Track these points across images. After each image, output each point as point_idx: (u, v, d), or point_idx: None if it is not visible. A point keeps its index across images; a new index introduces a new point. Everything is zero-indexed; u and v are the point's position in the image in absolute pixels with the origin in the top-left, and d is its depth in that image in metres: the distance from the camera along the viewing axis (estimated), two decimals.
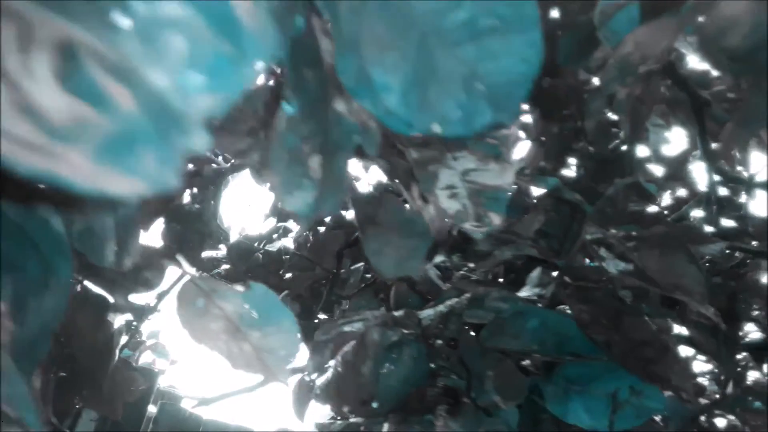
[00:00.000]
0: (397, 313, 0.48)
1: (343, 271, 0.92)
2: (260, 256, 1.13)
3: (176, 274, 0.92)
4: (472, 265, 0.96)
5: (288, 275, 1.01)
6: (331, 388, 0.45)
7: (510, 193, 0.35)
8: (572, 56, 0.62)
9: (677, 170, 0.51)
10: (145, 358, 1.56)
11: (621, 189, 0.47)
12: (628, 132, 0.68)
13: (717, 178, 1.13)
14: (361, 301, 0.71)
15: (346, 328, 0.45)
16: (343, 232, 0.82)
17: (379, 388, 0.44)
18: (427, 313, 0.49)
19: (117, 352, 0.74)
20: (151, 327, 1.62)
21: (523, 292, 0.59)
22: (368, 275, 0.93)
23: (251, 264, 1.12)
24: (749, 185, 1.01)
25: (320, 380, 0.48)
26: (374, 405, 0.44)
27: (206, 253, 1.31)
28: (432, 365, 0.46)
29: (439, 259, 0.54)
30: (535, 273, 0.63)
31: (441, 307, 0.50)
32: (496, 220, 0.33)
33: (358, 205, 0.36)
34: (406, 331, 0.48)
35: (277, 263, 1.02)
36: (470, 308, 0.51)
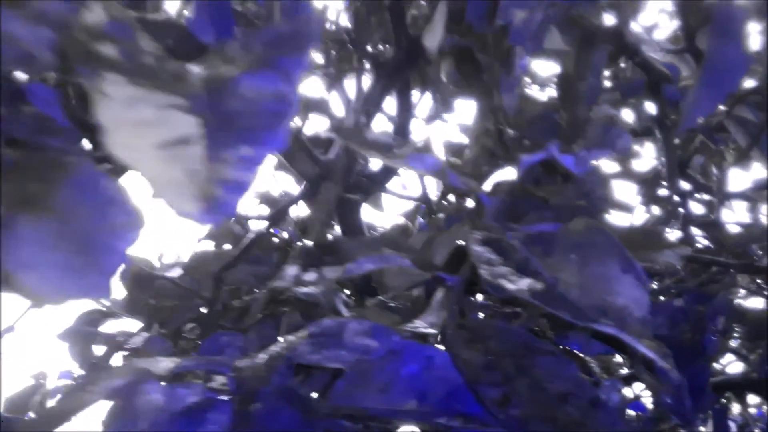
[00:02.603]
0: (192, 359, 0.32)
1: (237, 300, 0.76)
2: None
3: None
4: None
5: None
6: None
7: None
8: (485, 12, 0.48)
9: (600, 136, 0.37)
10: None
11: (528, 170, 0.33)
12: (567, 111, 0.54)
13: (686, 186, 1.00)
14: (224, 338, 0.55)
15: (119, 382, 0.29)
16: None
17: None
18: (256, 358, 0.34)
19: None
20: (61, 366, 1.42)
21: (419, 322, 0.44)
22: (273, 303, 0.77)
23: (155, 293, 0.95)
24: (722, 195, 0.88)
25: None
26: None
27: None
28: None
29: (293, 272, 0.38)
30: (438, 296, 0.47)
31: (274, 348, 0.34)
32: (230, 211, 0.18)
33: None
34: (215, 386, 0.32)
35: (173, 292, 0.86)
36: (324, 347, 0.35)
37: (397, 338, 0.36)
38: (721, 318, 0.40)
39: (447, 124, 0.92)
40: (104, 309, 1.02)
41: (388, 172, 0.97)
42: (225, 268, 0.62)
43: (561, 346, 0.43)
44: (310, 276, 0.35)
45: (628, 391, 1.37)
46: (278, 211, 0.60)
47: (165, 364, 0.30)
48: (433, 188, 1.08)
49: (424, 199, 1.02)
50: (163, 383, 0.30)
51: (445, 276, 0.36)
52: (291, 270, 0.35)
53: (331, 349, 0.36)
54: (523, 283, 0.27)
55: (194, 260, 0.74)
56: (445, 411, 0.32)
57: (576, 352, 0.44)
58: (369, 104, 0.55)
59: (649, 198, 1.14)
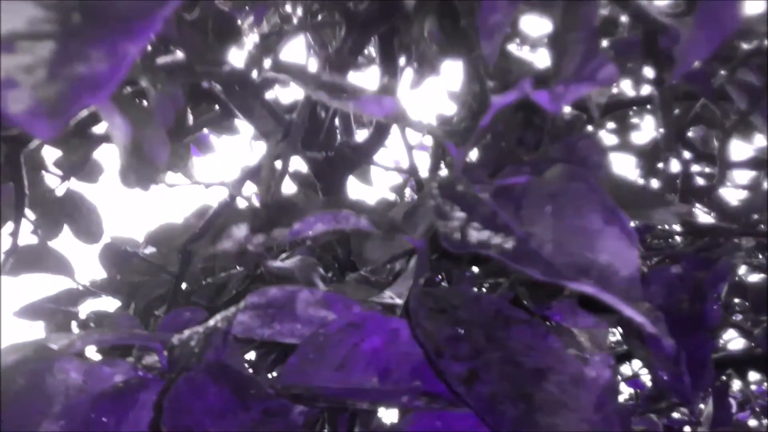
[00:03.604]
0: (109, 333, 0.28)
1: (208, 279, 0.72)
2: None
3: None
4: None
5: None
6: None
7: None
8: None
9: (578, 67, 0.32)
10: None
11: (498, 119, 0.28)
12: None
13: (687, 155, 0.95)
14: (186, 314, 0.51)
15: (12, 359, 0.26)
16: (195, 217, 0.62)
17: None
18: (193, 333, 0.30)
19: None
20: None
21: (387, 292, 0.40)
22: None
23: (131, 270, 0.91)
24: (724, 163, 0.83)
25: None
26: None
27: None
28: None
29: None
30: (413, 261, 0.43)
31: (211, 322, 0.30)
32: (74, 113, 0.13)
33: None
34: (146, 364, 0.29)
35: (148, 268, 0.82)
36: (276, 320, 0.31)
37: (357, 309, 0.32)
38: (723, 285, 0.36)
39: (434, 89, 0.88)
40: (82, 288, 0.98)
41: (374, 143, 0.93)
42: (191, 240, 0.58)
43: (546, 321, 0.39)
44: (258, 238, 0.31)
45: (625, 369, 1.34)
46: (242, 177, 0.56)
47: (69, 338, 0.26)
48: (425, 161, 1.03)
49: (412, 171, 0.97)
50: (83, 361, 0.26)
51: (411, 239, 0.32)
52: (238, 231, 0.31)
53: (285, 322, 0.32)
54: (489, 238, 0.23)
55: (158, 233, 0.70)
56: (409, 389, 0.28)
57: (562, 325, 0.40)
58: (338, 56, 0.50)
59: (649, 171, 1.09)
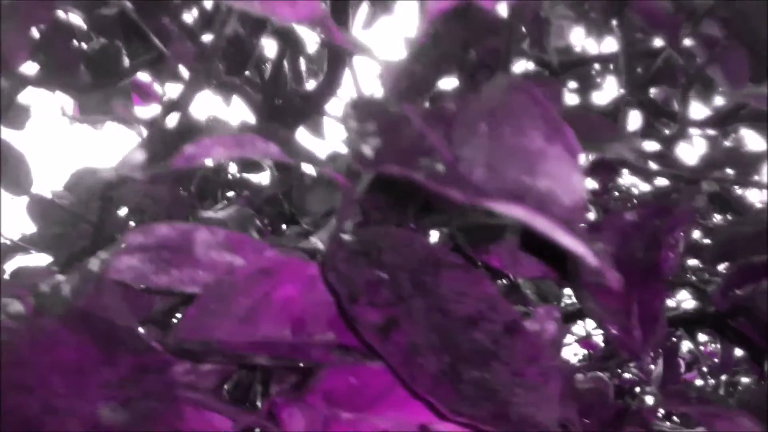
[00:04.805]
0: None
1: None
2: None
3: None
4: None
5: None
6: None
7: None
8: None
9: None
10: None
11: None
12: None
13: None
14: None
15: None
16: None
17: None
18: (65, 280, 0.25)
19: None
20: None
21: (313, 238, 0.36)
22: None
23: (54, 222, 0.85)
24: (683, 120, 0.81)
25: None
26: None
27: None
28: None
29: None
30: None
31: (85, 266, 0.26)
32: None
33: None
34: (11, 313, 0.24)
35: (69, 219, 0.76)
36: (172, 265, 0.27)
37: (271, 253, 0.28)
38: (681, 229, 0.33)
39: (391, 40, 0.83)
40: (10, 243, 0.91)
41: (326, 91, 0.88)
42: (110, 186, 0.53)
43: (489, 270, 0.36)
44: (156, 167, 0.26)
45: (579, 329, 1.35)
46: (163, 113, 0.50)
47: None
48: None
49: None
50: None
51: (335, 174, 0.28)
52: (134, 157, 0.26)
53: (183, 267, 0.27)
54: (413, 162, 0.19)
55: (75, 179, 0.64)
56: (321, 342, 0.25)
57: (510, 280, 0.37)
58: None
59: None
